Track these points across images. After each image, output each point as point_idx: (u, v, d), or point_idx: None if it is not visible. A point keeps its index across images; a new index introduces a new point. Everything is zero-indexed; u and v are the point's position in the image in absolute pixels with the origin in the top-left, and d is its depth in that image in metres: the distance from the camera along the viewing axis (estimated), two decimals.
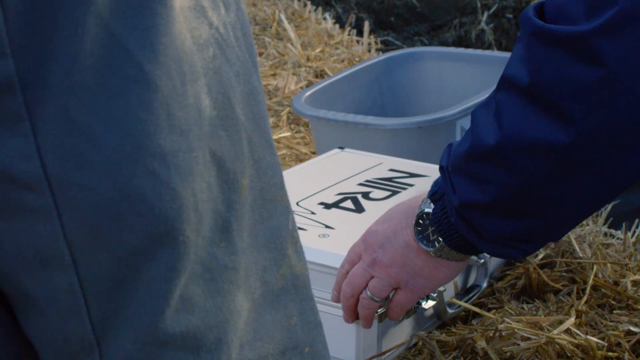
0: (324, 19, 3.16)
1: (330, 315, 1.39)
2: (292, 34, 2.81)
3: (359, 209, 1.56)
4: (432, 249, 1.20)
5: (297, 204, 1.57)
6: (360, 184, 1.64)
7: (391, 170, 1.69)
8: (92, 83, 0.57)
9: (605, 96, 0.97)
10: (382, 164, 1.72)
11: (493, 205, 1.08)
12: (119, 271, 0.60)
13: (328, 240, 1.44)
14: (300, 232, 1.43)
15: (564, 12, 0.99)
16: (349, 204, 1.57)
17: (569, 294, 1.58)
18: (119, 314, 0.62)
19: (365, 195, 1.60)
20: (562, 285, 1.61)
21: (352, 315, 1.32)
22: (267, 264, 0.69)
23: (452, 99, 2.02)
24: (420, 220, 1.19)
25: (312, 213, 1.54)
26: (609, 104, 0.97)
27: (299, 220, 1.49)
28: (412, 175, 1.68)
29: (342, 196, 1.60)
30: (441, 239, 1.18)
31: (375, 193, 1.60)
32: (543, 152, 1.01)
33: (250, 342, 0.68)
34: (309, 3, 3.22)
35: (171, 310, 0.62)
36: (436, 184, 1.18)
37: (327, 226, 1.49)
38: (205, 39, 0.63)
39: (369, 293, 1.28)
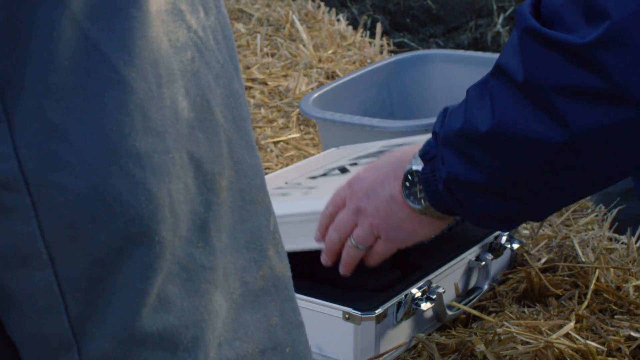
0: (337, 20, 3.16)
1: (330, 317, 1.40)
2: (304, 35, 2.82)
3: (344, 171, 1.55)
4: (418, 206, 1.21)
5: (285, 182, 1.56)
6: (351, 160, 1.63)
7: (384, 146, 1.68)
8: (67, 85, 0.58)
9: (605, 104, 0.98)
10: (376, 145, 1.71)
11: (479, 185, 1.09)
12: (96, 270, 0.61)
13: (311, 194, 1.45)
14: (284, 196, 1.44)
15: (561, 16, 0.99)
16: (335, 172, 1.57)
17: (570, 299, 1.58)
18: (97, 312, 0.63)
19: (354, 164, 1.59)
20: (564, 290, 1.60)
21: (334, 258, 1.34)
22: (247, 264, 0.70)
23: None
24: (409, 176, 1.20)
25: (298, 184, 1.53)
26: (607, 112, 0.98)
27: (284, 191, 1.49)
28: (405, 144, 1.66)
29: (330, 169, 1.60)
30: (427, 200, 1.19)
31: (364, 161, 1.59)
32: (534, 147, 1.02)
33: (229, 342, 0.69)
34: (322, 4, 3.23)
35: (148, 309, 0.63)
36: (428, 144, 1.19)
37: (311, 187, 1.50)
38: (182, 42, 0.64)
39: (353, 241, 1.30)
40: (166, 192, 0.62)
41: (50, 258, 0.61)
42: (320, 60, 2.71)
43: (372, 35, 2.96)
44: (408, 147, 1.25)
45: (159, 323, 0.64)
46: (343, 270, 1.34)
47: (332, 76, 2.63)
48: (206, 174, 0.65)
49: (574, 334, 1.44)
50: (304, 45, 2.78)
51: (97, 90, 0.59)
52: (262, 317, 0.72)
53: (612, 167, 1.04)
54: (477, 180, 1.09)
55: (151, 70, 0.61)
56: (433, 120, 1.93)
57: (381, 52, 2.83)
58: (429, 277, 1.47)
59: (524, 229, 1.79)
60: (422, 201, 1.20)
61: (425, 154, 1.18)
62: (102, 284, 0.62)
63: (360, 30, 2.96)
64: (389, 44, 2.89)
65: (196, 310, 0.65)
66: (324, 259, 1.34)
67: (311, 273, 1.51)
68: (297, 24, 2.89)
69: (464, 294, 1.56)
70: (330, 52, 2.80)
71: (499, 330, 1.44)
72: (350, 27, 3.07)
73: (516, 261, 1.68)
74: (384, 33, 3.16)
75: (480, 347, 1.42)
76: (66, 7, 0.57)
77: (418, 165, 1.19)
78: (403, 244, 1.28)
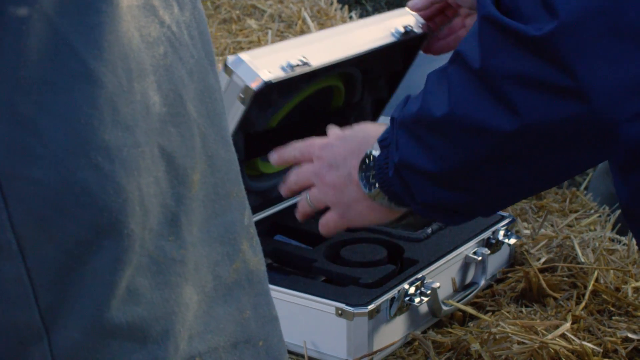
0: (350, 17, 3.16)
1: (323, 313, 1.40)
2: (315, 31, 2.83)
3: None
4: (368, 191, 1.21)
5: None
6: None
7: None
8: (37, 78, 0.59)
9: (557, 97, 0.98)
10: None
11: (430, 172, 1.09)
12: (65, 261, 0.62)
13: None
14: None
15: (519, 6, 1.00)
16: None
17: (569, 299, 1.58)
18: (66, 303, 0.64)
19: None
20: (563, 290, 1.60)
21: (289, 195, 1.37)
22: (220, 258, 0.71)
23: None
24: (366, 160, 1.21)
25: None
26: (558, 105, 0.98)
27: None
28: None
29: None
30: (377, 185, 1.19)
31: None
32: (485, 134, 1.02)
33: (200, 334, 0.70)
34: (335, 1, 3.23)
35: (117, 300, 0.64)
36: (387, 130, 1.19)
37: None
38: (155, 37, 0.64)
39: (307, 197, 1.31)
40: (135, 185, 0.63)
41: (20, 249, 0.62)
42: None
43: None
44: (380, 126, 1.25)
45: (128, 315, 0.64)
46: (297, 215, 1.35)
47: None
48: (178, 168, 0.66)
49: (570, 335, 1.44)
50: None
51: (66, 84, 0.60)
52: (235, 311, 0.72)
53: (561, 162, 1.04)
54: (428, 167, 1.09)
55: (121, 64, 0.61)
56: None
57: None
58: (423, 273, 1.47)
59: (525, 229, 1.79)
60: (373, 187, 1.20)
61: (383, 140, 1.18)
62: (71, 275, 0.63)
63: None
64: None
65: (166, 302, 0.66)
66: (281, 188, 1.36)
67: (306, 269, 1.52)
68: (309, 20, 2.89)
69: (461, 289, 1.56)
70: None
71: (493, 329, 1.44)
72: None
73: (516, 260, 1.68)
74: None
75: (475, 346, 1.42)
76: (36, 2, 0.58)
77: (376, 151, 1.19)
78: (352, 223, 1.27)
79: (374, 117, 1.79)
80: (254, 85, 1.39)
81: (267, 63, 1.42)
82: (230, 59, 1.41)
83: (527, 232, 1.77)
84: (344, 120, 1.70)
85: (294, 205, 1.73)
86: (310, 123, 1.64)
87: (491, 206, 1.15)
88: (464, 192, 1.10)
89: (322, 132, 1.64)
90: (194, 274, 0.68)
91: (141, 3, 0.64)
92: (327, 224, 1.30)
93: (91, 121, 0.60)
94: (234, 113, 1.42)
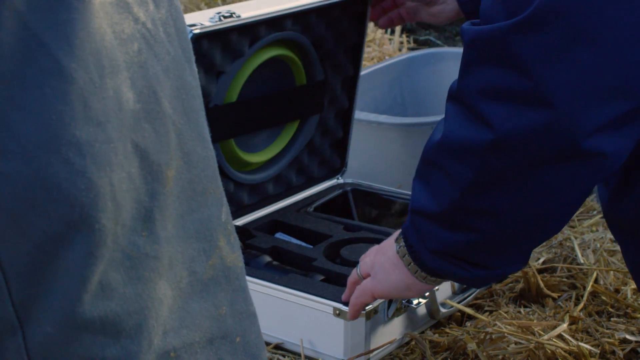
0: None
1: (320, 312, 1.41)
2: None
3: None
4: (397, 246, 1.22)
5: None
6: None
7: None
8: (8, 74, 0.59)
9: (522, 105, 0.98)
10: None
11: (434, 213, 1.11)
12: (38, 256, 0.63)
13: None
14: None
15: (488, 14, 1.00)
16: None
17: (568, 300, 1.57)
18: (39, 297, 0.64)
19: None
20: (562, 291, 1.60)
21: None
22: (196, 254, 0.71)
23: None
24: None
25: None
26: (525, 113, 0.98)
27: None
28: None
29: None
30: (402, 241, 1.21)
31: None
32: (469, 155, 1.03)
33: (175, 330, 0.70)
34: None
35: (89, 295, 0.64)
36: None
37: None
38: (129, 34, 0.65)
39: (358, 270, 1.32)
40: (107, 180, 0.63)
41: None
42: None
43: (394, 32, 2.95)
44: None
45: (101, 309, 0.65)
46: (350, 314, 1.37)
47: None
48: (152, 164, 0.66)
49: (566, 336, 1.43)
50: None
51: (37, 79, 0.60)
52: (211, 307, 0.73)
53: (545, 187, 1.03)
54: (432, 207, 1.11)
55: (93, 60, 0.62)
56: (439, 117, 1.94)
57: (400, 49, 2.83)
58: None
59: None
60: (399, 244, 1.21)
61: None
62: (44, 269, 0.63)
63: None
64: (409, 42, 2.89)
65: (139, 297, 0.66)
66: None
67: (305, 268, 1.53)
68: None
69: (460, 292, 1.56)
70: None
71: (489, 329, 1.44)
72: (372, 24, 3.06)
73: None
74: (410, 30, 3.15)
75: (471, 346, 1.42)
76: None
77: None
78: (376, 288, 1.27)
79: (349, 100, 1.79)
80: None
81: (197, 17, 1.47)
82: None
83: None
84: (313, 99, 1.71)
85: (295, 204, 1.75)
86: (276, 99, 1.66)
87: (497, 247, 1.12)
88: (465, 231, 1.09)
89: (289, 108, 1.66)
90: (168, 269, 0.69)
91: (114, 0, 0.64)
92: (361, 288, 1.30)
93: (62, 117, 0.61)
94: None
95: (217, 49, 1.51)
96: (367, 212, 1.82)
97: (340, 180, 1.83)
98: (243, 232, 1.60)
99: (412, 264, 1.19)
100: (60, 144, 0.61)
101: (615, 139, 0.98)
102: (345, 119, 1.79)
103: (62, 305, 0.64)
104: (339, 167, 1.83)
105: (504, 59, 0.97)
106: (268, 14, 1.54)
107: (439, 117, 1.90)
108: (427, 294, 1.45)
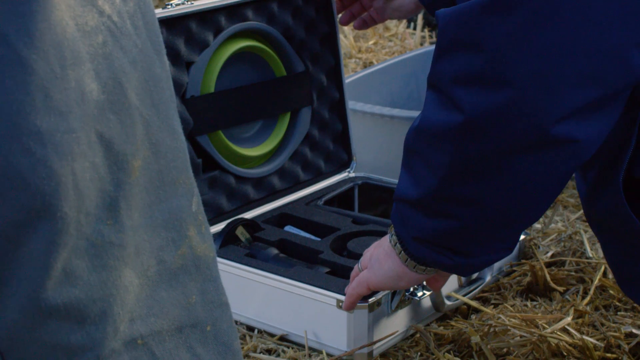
0: None
1: (323, 304, 1.41)
2: None
3: None
4: (389, 235, 1.24)
5: None
6: None
7: None
8: None
9: (486, 87, 0.98)
10: None
11: (414, 199, 1.12)
12: (1, 243, 0.64)
13: None
14: None
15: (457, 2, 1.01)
16: None
17: (576, 294, 1.57)
18: (4, 284, 0.65)
19: None
20: (570, 285, 1.59)
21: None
22: (164, 243, 0.72)
23: None
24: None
25: None
26: (489, 94, 0.98)
27: None
28: None
29: None
30: (393, 230, 1.23)
31: None
32: (441, 139, 1.04)
33: (142, 317, 0.71)
34: None
35: (53, 282, 0.66)
36: None
37: None
38: (93, 27, 0.66)
39: (359, 264, 1.34)
40: (69, 169, 0.64)
41: None
42: (359, 51, 2.72)
43: (416, 27, 2.95)
44: None
45: (65, 296, 0.66)
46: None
47: (369, 66, 2.63)
48: (117, 154, 0.68)
49: (570, 329, 1.43)
50: (345, 36, 2.79)
51: None
52: (180, 295, 0.74)
53: (515, 172, 1.03)
54: (413, 194, 1.12)
55: (54, 52, 0.63)
56: None
57: (422, 44, 2.82)
58: None
59: (537, 223, 1.77)
60: (390, 234, 1.23)
61: None
62: (7, 256, 0.65)
63: (404, 21, 2.95)
64: (430, 36, 2.88)
65: (104, 285, 0.68)
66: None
67: (312, 260, 1.53)
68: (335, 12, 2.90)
69: (466, 284, 1.56)
70: (371, 42, 2.80)
71: (491, 322, 1.44)
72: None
73: (525, 254, 1.67)
74: (432, 25, 3.14)
75: (475, 338, 1.42)
76: None
77: None
78: (371, 277, 1.29)
79: (338, 92, 1.80)
80: None
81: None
82: None
83: (539, 226, 1.76)
84: (298, 91, 1.74)
85: (305, 198, 1.76)
86: (256, 91, 1.68)
87: (476, 235, 1.12)
88: (445, 218, 1.11)
89: (274, 100, 1.70)
90: (134, 257, 0.70)
91: None
92: (357, 279, 1.32)
93: (23, 107, 0.62)
94: None
95: (179, 38, 1.54)
96: (377, 206, 1.82)
97: (352, 174, 1.84)
98: (251, 225, 1.61)
99: (402, 252, 1.20)
100: (21, 133, 0.62)
101: (587, 125, 0.97)
102: (340, 111, 1.81)
103: (26, 291, 0.65)
104: (347, 161, 1.84)
105: (472, 42, 0.98)
106: (224, 2, 1.59)
107: None
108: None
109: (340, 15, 1.76)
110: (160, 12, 1.50)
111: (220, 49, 1.61)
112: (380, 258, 1.25)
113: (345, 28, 2.83)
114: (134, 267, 0.70)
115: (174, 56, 1.54)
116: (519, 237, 1.16)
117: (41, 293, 0.65)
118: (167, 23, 1.52)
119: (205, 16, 1.57)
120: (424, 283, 1.36)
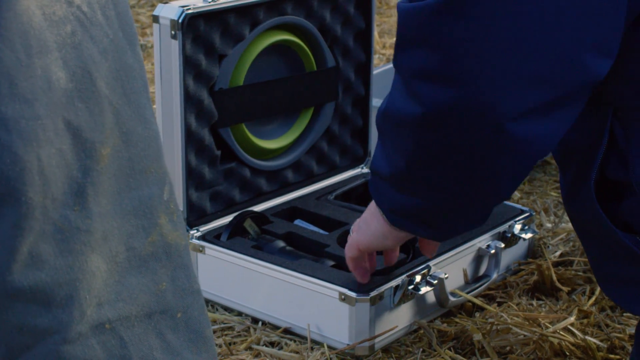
0: None
1: (326, 296, 1.42)
2: None
3: None
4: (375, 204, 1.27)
5: None
6: None
7: None
8: None
9: (437, 83, 1.00)
10: None
11: (386, 175, 1.16)
12: None
13: None
14: None
15: None
16: None
17: (583, 294, 1.56)
18: None
19: None
20: (578, 285, 1.58)
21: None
22: (134, 230, 0.74)
23: None
24: None
25: None
26: (440, 90, 1.00)
27: None
28: None
29: None
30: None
31: None
32: (404, 127, 1.07)
33: (110, 302, 0.73)
34: None
35: (19, 265, 0.67)
36: None
37: None
38: (61, 16, 0.67)
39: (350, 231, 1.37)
40: (34, 155, 0.66)
41: None
42: (384, 46, 2.72)
43: None
44: None
45: (31, 279, 0.68)
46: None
47: None
48: (85, 142, 0.69)
49: (573, 329, 1.42)
50: None
51: None
52: (150, 282, 0.75)
53: (474, 164, 1.05)
54: (384, 170, 1.16)
55: (20, 41, 0.64)
56: None
57: None
58: (432, 262, 1.48)
59: (548, 222, 1.77)
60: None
61: None
62: None
63: None
64: None
65: (70, 269, 0.69)
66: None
67: (317, 254, 1.54)
68: None
69: (472, 281, 1.56)
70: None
71: (491, 320, 1.43)
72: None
73: (534, 254, 1.66)
74: None
75: (477, 336, 1.42)
76: None
77: None
78: (359, 236, 1.32)
79: (365, 88, 1.81)
80: (177, 16, 1.49)
81: (189, 1, 1.52)
82: (157, 9, 1.52)
83: (549, 225, 1.75)
84: (326, 86, 1.74)
85: (316, 192, 1.76)
86: (285, 85, 1.69)
87: (444, 217, 1.17)
88: (412, 195, 1.14)
89: (301, 95, 1.70)
90: (102, 243, 0.71)
91: None
92: (349, 241, 1.36)
93: None
94: (174, 55, 1.50)
95: (215, 31, 1.54)
96: None
97: (365, 170, 1.84)
98: (260, 218, 1.62)
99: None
100: None
101: (542, 124, 0.98)
102: (363, 107, 1.81)
103: None
104: (362, 157, 1.84)
105: (429, 40, 0.99)
106: None
107: None
108: (435, 281, 1.46)
109: None
110: (201, 7, 1.50)
111: (254, 42, 1.61)
112: (367, 219, 1.28)
113: None
114: (101, 253, 0.71)
115: (208, 49, 1.55)
116: (490, 212, 1.19)
117: (7, 276, 0.67)
118: (206, 16, 1.52)
119: (244, 10, 1.57)
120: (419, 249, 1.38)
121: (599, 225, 1.08)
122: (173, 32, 1.49)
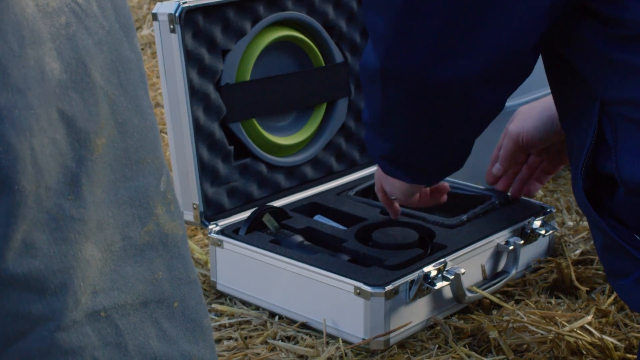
0: None
1: (342, 291, 1.42)
2: None
3: None
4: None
5: None
6: None
7: None
8: None
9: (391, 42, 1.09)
10: None
11: (367, 122, 1.28)
12: None
13: None
14: None
15: None
16: None
17: (603, 292, 1.55)
18: None
19: None
20: (597, 283, 1.57)
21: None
22: (130, 219, 0.74)
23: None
24: None
25: None
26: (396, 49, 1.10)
27: None
28: None
29: None
30: None
31: None
32: (371, 79, 1.17)
33: (106, 290, 0.73)
34: None
35: (13, 252, 0.68)
36: None
37: None
38: (55, 7, 0.68)
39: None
40: (27, 145, 0.67)
41: None
42: None
43: None
44: None
45: (25, 267, 0.69)
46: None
47: None
48: (79, 132, 0.70)
49: (590, 328, 1.41)
50: None
51: None
52: (146, 271, 0.76)
53: (434, 112, 1.17)
54: (366, 117, 1.28)
55: (12, 31, 0.65)
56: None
57: None
58: (449, 258, 1.47)
59: (570, 220, 1.75)
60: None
61: None
62: None
63: None
64: None
65: (64, 257, 0.70)
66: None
67: (335, 249, 1.55)
68: None
69: (491, 278, 1.55)
70: None
71: (507, 317, 1.43)
72: None
73: (554, 251, 1.65)
74: None
75: (493, 334, 1.41)
76: None
77: None
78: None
79: None
80: (174, 10, 1.51)
81: None
82: (155, 7, 1.55)
83: (571, 223, 1.74)
84: (335, 81, 1.75)
85: (336, 188, 1.77)
86: (292, 80, 1.70)
87: (419, 161, 1.30)
88: (388, 139, 1.27)
89: (310, 90, 1.73)
90: (97, 232, 0.72)
91: None
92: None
93: None
94: (175, 49, 1.52)
95: (216, 26, 1.56)
96: None
97: None
98: (279, 213, 1.63)
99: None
100: None
101: (487, 92, 1.10)
102: None
103: None
104: None
105: (379, 5, 1.08)
106: None
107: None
108: (451, 276, 1.45)
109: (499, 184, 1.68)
110: (198, 1, 1.53)
111: (257, 37, 1.63)
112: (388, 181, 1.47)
113: None
114: (96, 242, 0.72)
115: (210, 43, 1.57)
116: (466, 156, 1.31)
117: (1, 263, 0.68)
118: (204, 10, 1.55)
119: (243, 5, 1.60)
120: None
121: (588, 215, 1.09)
122: (172, 27, 1.51)
